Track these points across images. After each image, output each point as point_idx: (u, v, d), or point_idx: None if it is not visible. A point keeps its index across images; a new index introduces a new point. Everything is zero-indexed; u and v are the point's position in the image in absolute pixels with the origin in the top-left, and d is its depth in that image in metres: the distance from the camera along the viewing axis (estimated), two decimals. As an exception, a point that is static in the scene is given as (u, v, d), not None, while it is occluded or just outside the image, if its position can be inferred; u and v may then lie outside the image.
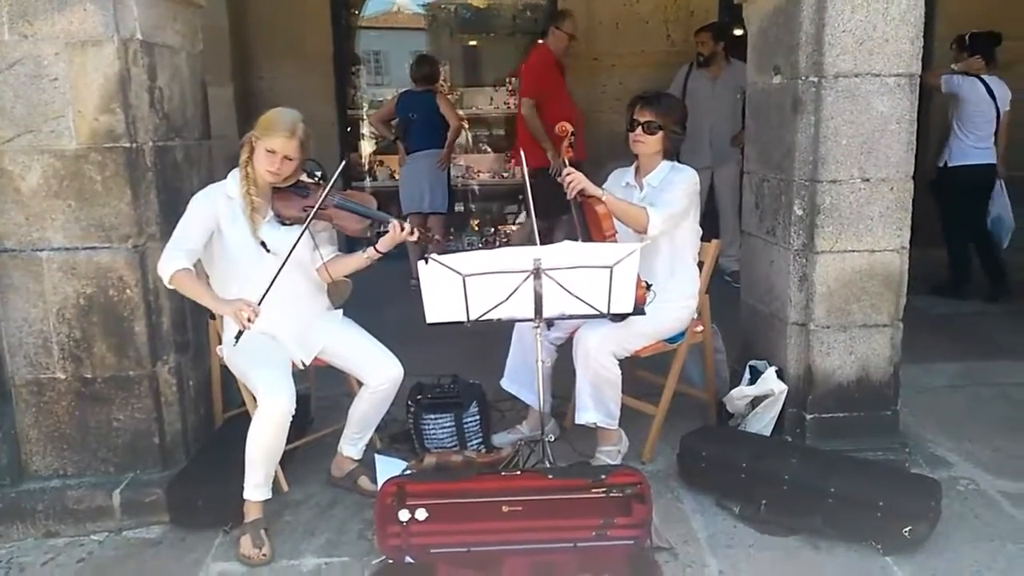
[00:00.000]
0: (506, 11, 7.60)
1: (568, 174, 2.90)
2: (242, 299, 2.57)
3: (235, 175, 2.78)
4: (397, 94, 5.77)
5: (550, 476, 2.51)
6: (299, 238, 2.68)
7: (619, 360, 3.00)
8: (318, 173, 2.84)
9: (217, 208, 2.73)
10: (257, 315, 2.53)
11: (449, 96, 6.47)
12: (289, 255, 2.66)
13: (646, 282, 2.87)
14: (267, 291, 2.59)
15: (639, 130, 3.07)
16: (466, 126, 7.36)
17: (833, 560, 2.55)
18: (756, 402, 3.18)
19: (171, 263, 2.60)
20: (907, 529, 2.51)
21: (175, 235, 2.67)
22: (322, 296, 3.00)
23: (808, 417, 3.09)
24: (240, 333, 2.56)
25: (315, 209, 2.69)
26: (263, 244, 2.73)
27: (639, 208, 2.93)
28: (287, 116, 2.72)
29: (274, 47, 6.34)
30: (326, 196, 2.71)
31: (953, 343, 4.39)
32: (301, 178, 2.82)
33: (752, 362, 3.30)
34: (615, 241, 2.86)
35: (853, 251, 2.99)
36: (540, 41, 5.61)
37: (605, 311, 2.57)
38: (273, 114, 2.74)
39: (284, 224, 2.77)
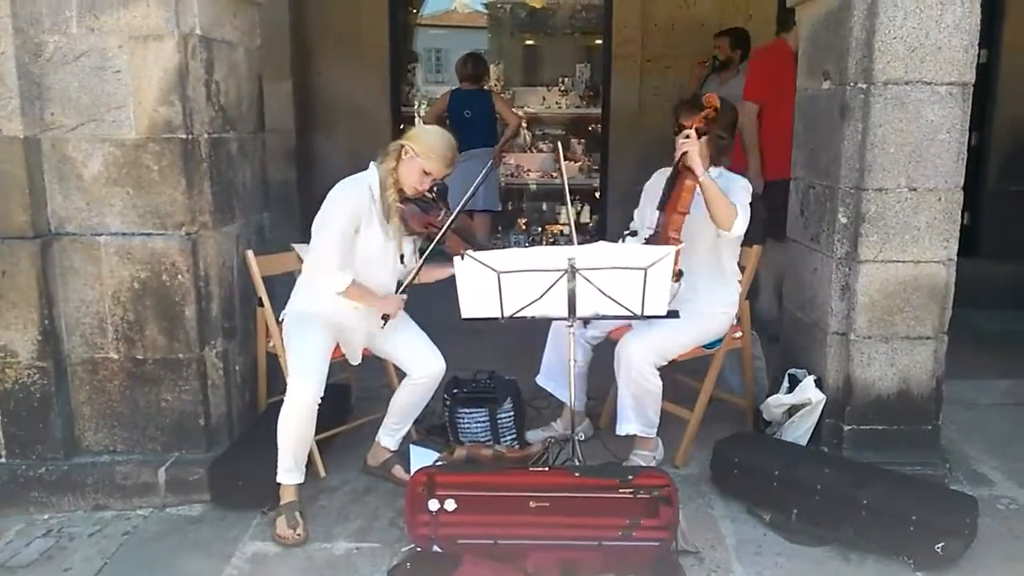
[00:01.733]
0: (563, 11, 7.62)
1: (686, 137, 2.82)
2: (399, 295, 2.84)
3: (376, 176, 2.81)
4: (448, 92, 5.83)
5: (577, 474, 2.53)
6: (425, 255, 2.83)
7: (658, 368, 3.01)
8: (435, 188, 2.90)
9: (361, 208, 2.78)
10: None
11: (503, 95, 6.51)
12: (420, 267, 2.82)
13: (679, 269, 2.83)
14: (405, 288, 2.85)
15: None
16: (524, 125, 7.42)
17: (862, 573, 2.52)
18: (793, 411, 3.15)
19: (344, 278, 2.73)
20: (940, 545, 2.47)
21: (334, 244, 2.71)
22: None
23: (846, 428, 3.05)
24: (386, 319, 2.81)
25: (442, 232, 2.78)
26: (401, 256, 2.87)
27: (732, 205, 2.86)
28: (450, 145, 2.81)
29: (332, 44, 6.46)
30: (451, 223, 2.79)
31: (1005, 360, 4.27)
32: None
33: (791, 370, 3.27)
34: (682, 220, 2.85)
35: (898, 261, 2.94)
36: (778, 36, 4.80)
37: (639, 313, 2.59)
38: (438, 139, 2.81)
39: (407, 235, 2.87)
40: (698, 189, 2.83)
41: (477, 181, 2.97)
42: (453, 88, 5.81)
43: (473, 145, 5.65)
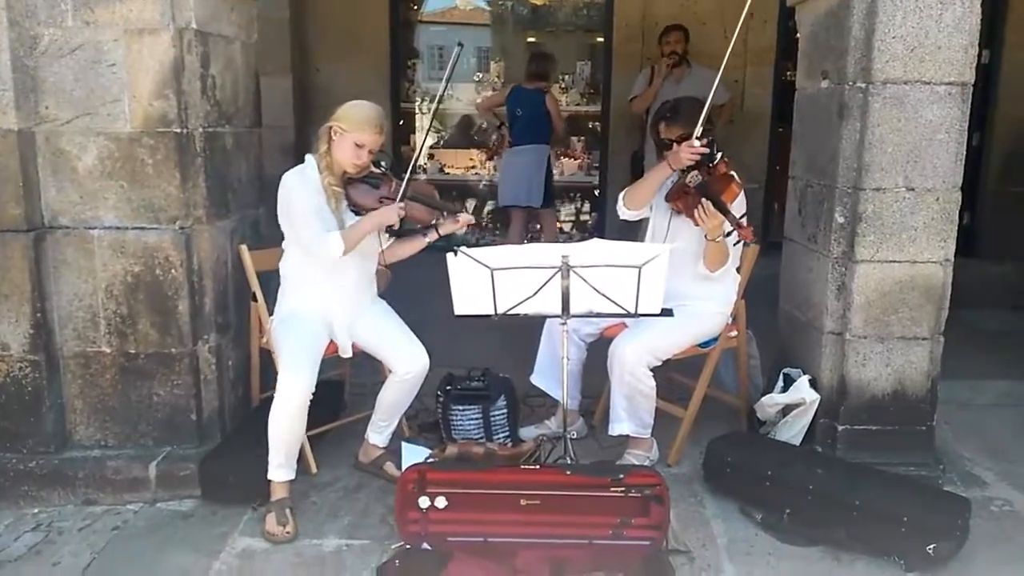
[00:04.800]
0: (565, 8, 7.60)
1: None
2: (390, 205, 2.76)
3: (313, 164, 2.83)
4: (511, 87, 5.82)
5: (568, 472, 2.52)
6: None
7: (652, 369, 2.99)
8: (383, 163, 2.89)
9: (310, 190, 2.80)
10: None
11: (558, 98, 6.46)
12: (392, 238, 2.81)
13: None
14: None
15: (673, 147, 3.03)
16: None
17: (853, 573, 2.51)
18: (787, 410, 3.15)
19: (331, 240, 2.70)
20: (931, 546, 2.46)
21: (307, 223, 2.74)
22: (373, 285, 3.07)
23: (840, 428, 3.04)
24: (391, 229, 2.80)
25: (396, 203, 2.77)
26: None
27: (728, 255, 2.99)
28: (377, 112, 2.81)
29: (332, 40, 6.45)
30: (404, 190, 2.78)
31: (1004, 360, 4.24)
32: (370, 169, 2.89)
33: (786, 370, 3.26)
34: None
35: (894, 261, 2.93)
36: None
37: (632, 311, 2.57)
38: (363, 109, 2.81)
39: (358, 214, 2.85)
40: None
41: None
42: (515, 84, 5.80)
43: (521, 141, 5.68)
